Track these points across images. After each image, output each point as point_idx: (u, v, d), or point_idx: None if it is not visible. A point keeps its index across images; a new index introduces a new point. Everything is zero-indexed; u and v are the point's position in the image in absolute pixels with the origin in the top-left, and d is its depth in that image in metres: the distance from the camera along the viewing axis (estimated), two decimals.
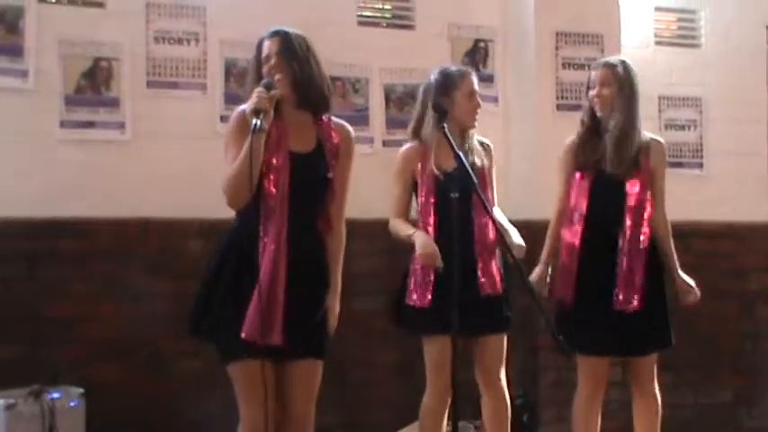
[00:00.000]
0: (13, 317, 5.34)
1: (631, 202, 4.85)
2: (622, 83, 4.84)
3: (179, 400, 5.54)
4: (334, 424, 5.72)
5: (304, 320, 3.85)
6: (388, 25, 6.43)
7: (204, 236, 5.45)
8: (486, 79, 6.39)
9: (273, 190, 3.84)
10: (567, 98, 6.20)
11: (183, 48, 5.81)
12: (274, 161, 3.84)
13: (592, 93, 4.88)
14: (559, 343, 3.94)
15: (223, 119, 5.75)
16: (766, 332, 6.98)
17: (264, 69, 3.93)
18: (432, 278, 4.71)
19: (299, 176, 3.87)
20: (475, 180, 4.05)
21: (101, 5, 5.70)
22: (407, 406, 5.62)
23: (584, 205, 4.85)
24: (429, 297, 4.71)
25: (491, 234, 4.75)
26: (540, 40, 6.23)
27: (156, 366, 5.54)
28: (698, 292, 4.90)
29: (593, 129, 4.90)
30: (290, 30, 4.02)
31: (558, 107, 6.19)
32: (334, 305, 4.01)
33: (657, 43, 6.90)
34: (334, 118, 4.11)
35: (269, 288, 3.76)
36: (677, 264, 4.97)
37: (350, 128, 4.17)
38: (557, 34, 6.26)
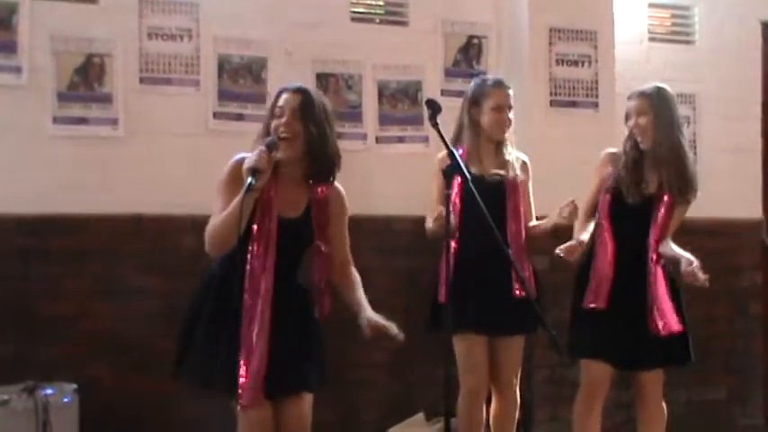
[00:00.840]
0: (6, 314, 5.34)
1: (657, 227, 4.91)
2: (659, 112, 4.86)
3: (172, 397, 5.52)
4: (329, 422, 5.72)
5: (287, 365, 3.88)
6: (382, 21, 6.41)
7: (197, 232, 5.35)
8: (480, 75, 6.40)
9: (260, 251, 3.85)
10: (560, 94, 6.19)
11: (177, 44, 5.79)
12: (264, 225, 3.85)
13: (630, 123, 4.93)
14: (554, 342, 3.95)
15: (216, 115, 5.77)
16: (759, 330, 6.99)
17: (274, 123, 3.88)
18: (454, 275, 4.76)
19: (286, 241, 3.88)
20: (467, 176, 4.06)
21: (93, 1, 5.68)
22: (401, 404, 5.65)
23: (615, 224, 4.91)
24: (453, 293, 4.76)
25: (522, 238, 4.92)
26: (533, 37, 6.22)
27: (149, 363, 5.53)
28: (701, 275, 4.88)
29: (634, 157, 4.93)
30: (312, 89, 3.99)
31: (552, 103, 6.18)
32: (376, 316, 4.00)
33: (651, 39, 6.89)
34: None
35: (255, 350, 3.79)
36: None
37: (340, 188, 4.13)
38: (550, 30, 6.25)
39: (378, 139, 6.16)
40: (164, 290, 5.53)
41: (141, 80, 5.74)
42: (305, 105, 3.86)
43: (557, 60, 6.25)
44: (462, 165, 4.09)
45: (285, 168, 3.91)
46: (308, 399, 4.02)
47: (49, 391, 5.03)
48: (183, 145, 5.66)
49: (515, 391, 5.05)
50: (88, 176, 5.57)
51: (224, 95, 5.75)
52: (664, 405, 5.03)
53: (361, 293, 4.09)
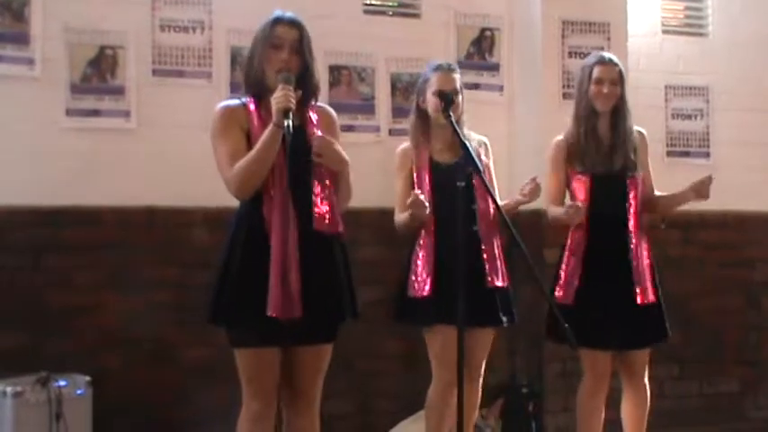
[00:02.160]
0: (19, 305, 5.35)
1: (633, 199, 4.88)
2: (624, 82, 4.92)
3: (184, 389, 5.54)
4: (340, 413, 5.73)
5: (318, 299, 3.87)
6: (394, 14, 6.41)
7: (209, 224, 5.46)
8: (492, 68, 6.39)
9: (272, 174, 3.87)
10: (573, 86, 6.11)
11: (189, 36, 5.80)
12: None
13: (603, 89, 4.88)
14: (565, 332, 3.94)
15: None
16: None
17: (273, 54, 3.93)
18: (432, 268, 4.73)
19: (291, 155, 3.87)
20: (481, 167, 4.06)
21: None
22: (413, 395, 5.64)
23: (594, 202, 4.88)
24: (428, 287, 4.73)
25: (492, 221, 4.83)
26: (546, 29, 6.21)
27: (161, 355, 5.55)
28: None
29: (594, 123, 4.92)
30: (300, 19, 4.04)
31: (565, 96, 6.16)
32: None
33: (665, 32, 6.88)
34: (315, 103, 4.15)
35: (282, 265, 3.78)
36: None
37: (329, 108, 4.22)
38: (563, 23, 6.24)
39: (391, 132, 6.15)
40: (176, 281, 5.54)
41: (154, 72, 5.74)
42: (302, 39, 3.97)
43: (569, 53, 6.23)
44: (474, 157, 4.09)
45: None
46: (329, 351, 4.06)
47: (62, 383, 5.03)
48: (196, 137, 5.60)
49: (480, 382, 5.01)
50: (101, 168, 5.57)
51: (236, 88, 5.73)
52: (648, 388, 5.01)
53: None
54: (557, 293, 4.88)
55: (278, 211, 3.83)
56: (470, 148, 4.12)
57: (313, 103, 4.09)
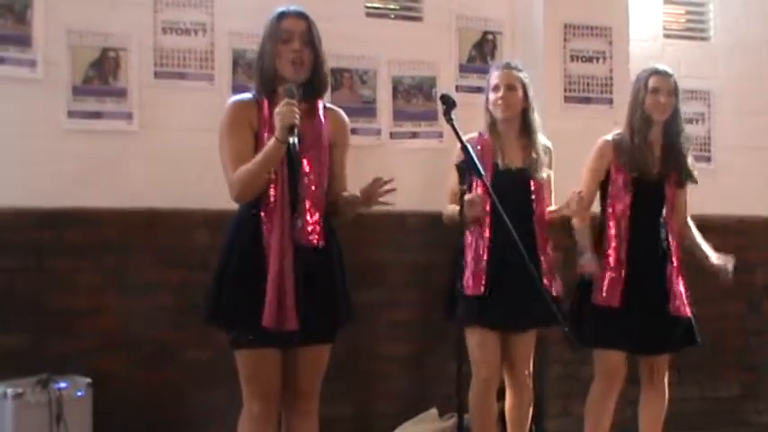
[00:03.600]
0: (20, 307, 5.34)
1: (671, 206, 5.02)
2: (678, 98, 5.05)
3: (185, 390, 5.54)
4: (343, 415, 5.73)
5: (314, 305, 3.88)
6: (396, 17, 6.42)
7: (210, 227, 5.45)
8: None
9: (273, 183, 3.89)
10: (574, 90, 6.19)
11: (191, 38, 5.80)
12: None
13: (660, 98, 4.96)
14: (568, 336, 3.96)
15: None
16: None
17: (282, 48, 3.94)
18: (484, 267, 4.76)
19: (291, 164, 3.89)
20: (482, 172, 4.07)
21: None
22: (414, 398, 5.65)
23: (628, 209, 4.96)
24: (482, 287, 4.78)
25: (545, 226, 4.96)
26: (548, 33, 6.21)
27: (162, 357, 5.55)
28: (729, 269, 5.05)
29: (647, 134, 5.00)
30: (306, 10, 4.05)
31: (566, 99, 6.17)
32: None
33: (666, 36, 6.89)
34: (327, 104, 4.17)
35: (279, 275, 3.79)
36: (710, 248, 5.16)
37: (341, 112, 4.22)
38: (565, 26, 6.24)
39: (392, 135, 6.15)
40: (177, 284, 5.54)
41: (156, 75, 5.75)
42: (310, 30, 3.99)
43: (571, 56, 6.24)
44: (477, 161, 4.09)
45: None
46: (327, 351, 4.08)
47: (62, 385, 5.03)
48: (197, 139, 5.63)
49: (529, 382, 5.05)
50: (102, 170, 5.57)
51: (238, 90, 5.73)
52: (667, 388, 5.04)
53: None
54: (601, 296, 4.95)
55: (277, 223, 3.85)
56: (472, 152, 4.12)
57: (323, 103, 4.11)
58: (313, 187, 3.94)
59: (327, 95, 5.59)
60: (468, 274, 4.83)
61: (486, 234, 4.83)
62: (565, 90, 6.19)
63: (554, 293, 4.89)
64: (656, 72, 5.02)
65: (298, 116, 3.74)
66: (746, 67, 6.95)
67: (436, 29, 6.35)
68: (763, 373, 6.90)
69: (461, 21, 6.38)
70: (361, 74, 6.13)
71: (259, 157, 3.81)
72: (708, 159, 6.86)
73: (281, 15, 3.99)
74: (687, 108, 6.74)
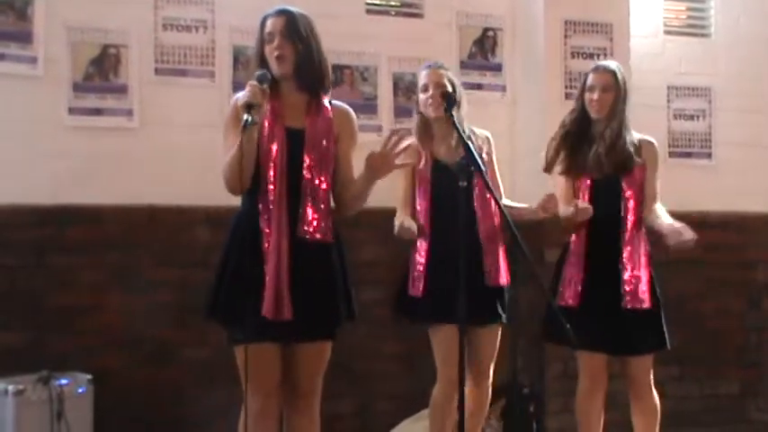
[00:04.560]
0: (21, 304, 5.35)
1: (629, 203, 4.89)
2: (620, 89, 4.90)
3: (185, 388, 5.55)
4: (340, 414, 5.74)
5: (312, 299, 3.89)
6: (397, 14, 6.42)
7: (211, 224, 5.45)
8: (495, 68, 6.39)
9: (270, 170, 3.90)
10: (575, 87, 6.13)
11: (192, 35, 5.80)
12: (273, 146, 3.91)
13: (592, 96, 4.89)
14: (566, 333, 3.95)
15: None
16: None
17: (267, 48, 3.98)
18: (423, 267, 4.73)
19: (293, 153, 3.91)
20: (483, 167, 4.07)
21: None
22: (413, 396, 5.64)
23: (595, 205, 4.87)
24: (422, 286, 4.74)
25: (495, 222, 4.79)
26: (548, 29, 6.21)
27: (163, 354, 5.55)
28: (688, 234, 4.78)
29: (579, 133, 4.95)
30: (295, 9, 4.06)
31: (567, 96, 6.15)
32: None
33: (667, 33, 6.89)
34: (334, 101, 4.15)
35: (277, 265, 3.81)
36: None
37: (348, 108, 4.19)
38: (565, 23, 6.24)
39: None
40: (177, 281, 5.54)
41: (156, 71, 5.75)
42: (289, 25, 3.98)
43: (572, 53, 6.24)
44: (479, 159, 4.09)
45: (286, 88, 4.02)
46: (328, 348, 4.06)
47: (63, 382, 5.04)
48: (198, 136, 5.66)
49: (489, 382, 5.01)
50: (103, 167, 5.57)
51: (239, 87, 5.72)
52: (656, 396, 5.01)
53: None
54: (562, 295, 4.91)
55: (275, 215, 3.86)
56: (472, 148, 4.12)
57: (328, 99, 4.10)
58: (315, 181, 3.95)
59: None
60: (413, 274, 4.82)
61: (428, 237, 4.81)
62: (565, 87, 6.19)
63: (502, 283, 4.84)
64: (594, 69, 4.97)
65: (259, 97, 3.76)
66: (747, 64, 6.95)
67: (437, 25, 6.36)
68: (763, 370, 6.91)
69: (462, 17, 6.39)
70: (361, 70, 6.14)
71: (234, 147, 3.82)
72: (708, 156, 6.87)
73: (264, 18, 4.04)
74: (688, 105, 6.80)
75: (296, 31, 3.97)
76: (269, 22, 4.00)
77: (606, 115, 4.88)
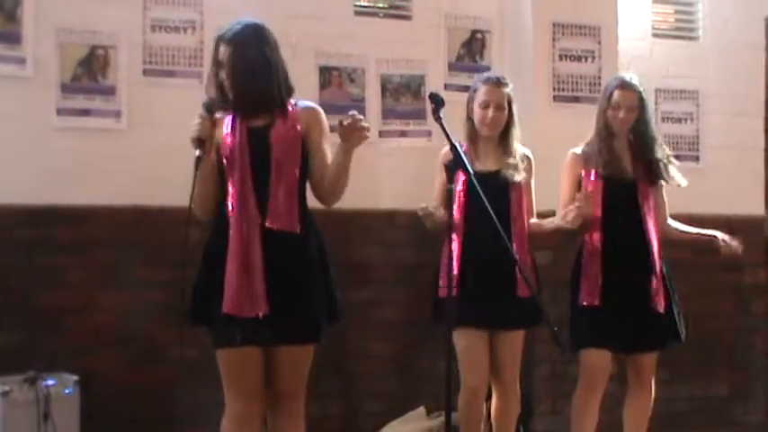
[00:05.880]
0: (9, 304, 5.35)
1: (648, 207, 5.01)
2: (644, 106, 5.07)
3: (174, 388, 5.53)
4: (328, 415, 5.73)
5: (291, 297, 3.86)
6: (385, 15, 6.42)
7: (200, 224, 5.44)
8: (483, 70, 6.36)
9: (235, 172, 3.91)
10: (563, 90, 6.19)
11: (180, 36, 5.80)
12: (235, 143, 3.93)
13: (619, 114, 5.00)
14: (555, 336, 3.96)
15: None
16: (761, 326, 6.98)
17: (222, 74, 3.95)
18: (456, 270, 4.75)
19: (257, 152, 3.91)
20: (470, 169, 4.07)
21: None
22: (401, 397, 5.65)
23: (599, 210, 4.98)
24: (455, 289, 4.76)
25: (525, 235, 4.94)
26: (536, 32, 6.22)
27: (151, 354, 5.55)
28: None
29: (610, 144, 5.06)
30: (244, 32, 4.01)
31: (555, 99, 6.18)
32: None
33: (655, 36, 6.89)
34: (300, 101, 4.13)
35: (244, 259, 3.81)
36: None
37: (313, 104, 4.19)
38: (554, 25, 6.24)
39: (381, 134, 6.15)
40: (166, 281, 5.51)
41: (145, 72, 5.75)
42: (236, 56, 3.90)
43: (560, 56, 6.24)
44: (465, 159, 4.10)
45: None
46: (310, 351, 4.03)
47: (50, 382, 5.04)
48: (186, 137, 5.62)
49: (516, 387, 5.05)
50: (91, 168, 5.57)
51: None
52: (653, 387, 5.06)
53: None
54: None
55: (237, 209, 3.87)
56: (460, 150, 4.13)
57: (293, 102, 4.06)
58: (281, 171, 3.92)
59: (315, 94, 5.67)
60: (441, 275, 4.84)
61: (458, 239, 4.83)
62: (553, 89, 6.20)
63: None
64: (620, 86, 5.05)
65: (206, 130, 3.80)
66: (735, 68, 6.96)
67: (425, 27, 6.36)
68: (752, 372, 6.92)
69: (450, 19, 6.39)
70: (349, 72, 6.13)
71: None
72: (696, 159, 6.88)
73: (218, 41, 4.02)
74: (676, 108, 6.80)
75: (230, 58, 3.91)
76: (221, 50, 3.96)
77: (630, 129, 5.06)
